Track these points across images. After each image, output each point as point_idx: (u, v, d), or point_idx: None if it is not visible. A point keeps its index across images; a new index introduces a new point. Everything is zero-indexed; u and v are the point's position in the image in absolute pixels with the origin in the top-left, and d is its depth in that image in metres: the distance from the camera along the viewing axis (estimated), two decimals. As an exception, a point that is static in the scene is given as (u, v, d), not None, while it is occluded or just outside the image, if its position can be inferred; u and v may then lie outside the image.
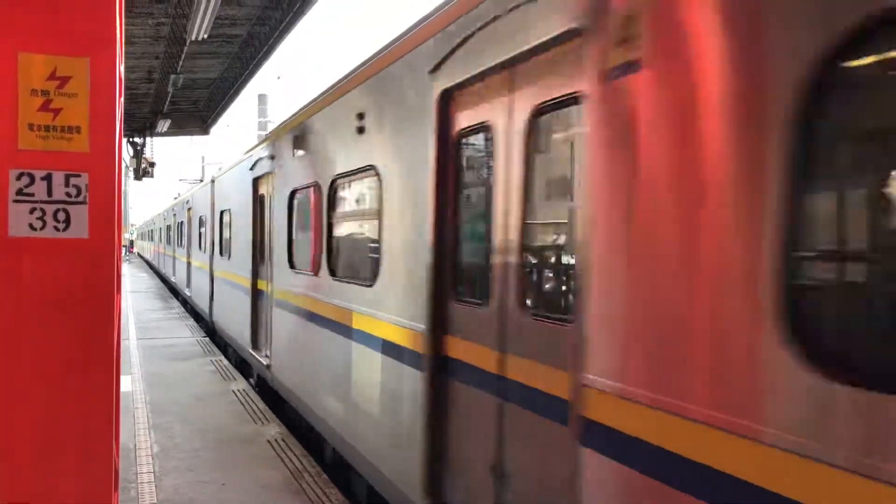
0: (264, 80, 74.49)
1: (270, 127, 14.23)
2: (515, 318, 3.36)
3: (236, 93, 19.42)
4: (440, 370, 4.05)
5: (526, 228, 3.30)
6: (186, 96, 20.19)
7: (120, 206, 3.02)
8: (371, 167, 5.08)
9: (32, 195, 2.63)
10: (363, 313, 5.18)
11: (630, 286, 2.49)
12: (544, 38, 3.03)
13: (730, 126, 2.11)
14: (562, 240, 3.20)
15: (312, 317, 6.52)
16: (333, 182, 5.98)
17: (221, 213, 12.57)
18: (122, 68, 3.33)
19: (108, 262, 2.77)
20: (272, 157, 8.30)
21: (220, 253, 12.52)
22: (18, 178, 2.61)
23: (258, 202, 9.27)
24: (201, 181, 21.83)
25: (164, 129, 22.98)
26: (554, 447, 2.99)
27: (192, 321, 16.38)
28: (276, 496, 5.43)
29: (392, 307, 4.63)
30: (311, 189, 6.59)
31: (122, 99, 3.55)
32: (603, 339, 2.62)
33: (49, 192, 2.65)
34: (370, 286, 5.02)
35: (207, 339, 13.60)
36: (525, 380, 3.29)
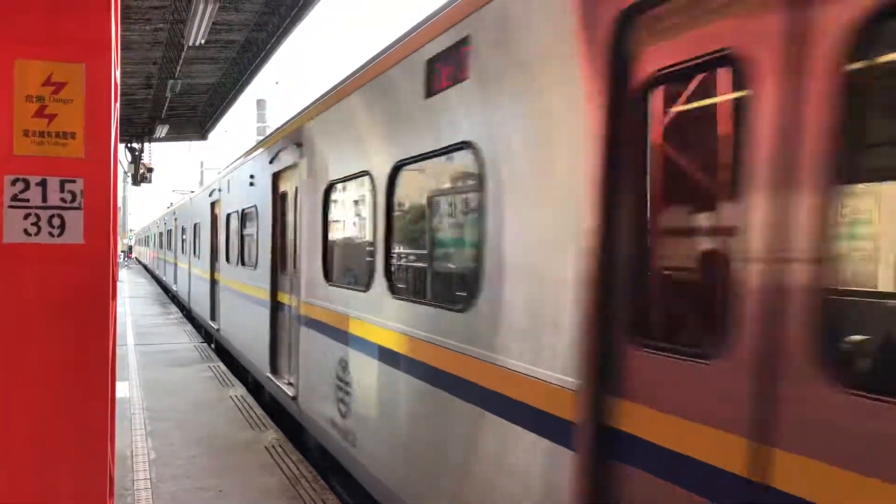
0: (263, 84, 74.50)
1: (268, 131, 16.54)
2: (293, 277, 7.28)
3: (234, 98, 19.43)
4: (276, 309, 8.22)
5: (296, 236, 7.10)
6: (184, 101, 20.21)
7: (115, 212, 3.01)
8: (254, 206, 9.28)
9: (27, 201, 2.62)
10: (251, 285, 9.44)
11: (306, 260, 6.59)
12: (291, 162, 7.35)
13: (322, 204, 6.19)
14: (302, 241, 6.89)
15: (234, 292, 11.00)
16: (243, 210, 10.24)
17: (195, 224, 16.90)
18: (118, 74, 3.32)
19: (103, 267, 2.77)
20: (220, 190, 12.60)
21: (194, 254, 16.87)
22: (13, 183, 2.60)
23: (214, 218, 13.58)
24: (192, 192, 22.92)
25: (163, 135, 23.00)
26: (299, 331, 6.88)
27: (189, 326, 16.36)
28: (274, 502, 5.41)
29: (260, 279, 8.76)
30: (235, 213, 10.92)
31: (119, 104, 3.55)
32: (304, 280, 6.67)
33: (44, 198, 2.64)
34: (255, 269, 9.21)
35: (205, 344, 13.58)
36: (293, 305, 7.24)
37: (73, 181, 2.67)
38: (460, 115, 3.71)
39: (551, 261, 2.91)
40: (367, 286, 4.98)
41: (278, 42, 14.01)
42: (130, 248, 68.21)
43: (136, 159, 25.47)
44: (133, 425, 7.47)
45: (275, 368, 8.26)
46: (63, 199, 2.66)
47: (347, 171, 5.55)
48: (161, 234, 31.30)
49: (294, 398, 7.02)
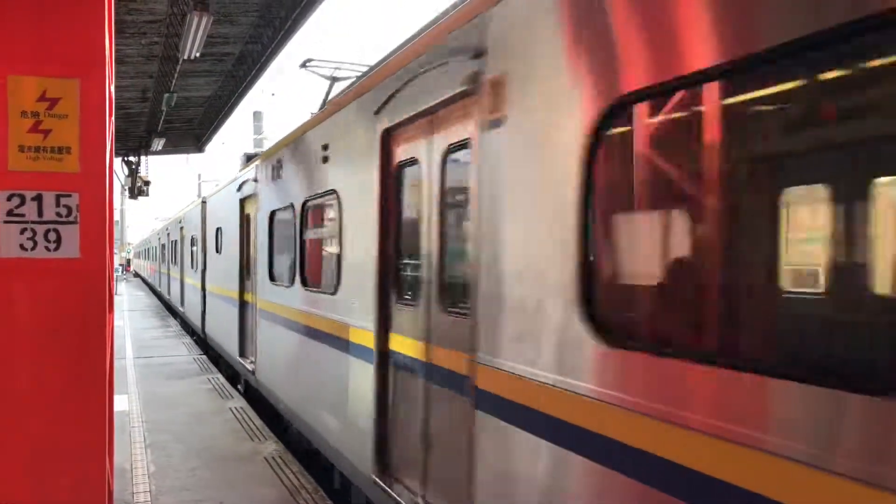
0: (259, 96, 74.29)
1: (266, 143, 17.89)
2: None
3: (230, 110, 19.46)
4: (243, 306, 9.69)
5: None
6: (180, 115, 20.24)
7: (111, 226, 3.03)
8: (218, 229, 11.10)
9: (23, 216, 2.64)
10: (222, 286, 11.45)
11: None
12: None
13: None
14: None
15: (213, 294, 12.89)
16: (217, 230, 12.02)
17: (186, 238, 18.99)
18: (113, 88, 3.35)
19: (99, 281, 2.78)
20: (205, 203, 14.16)
21: (191, 265, 18.01)
22: (9, 198, 2.62)
23: (203, 232, 14.70)
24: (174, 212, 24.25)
25: (159, 148, 23.01)
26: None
27: (188, 339, 16.35)
28: (274, 513, 5.40)
29: (230, 282, 10.34)
30: (216, 230, 12.46)
31: (114, 119, 3.57)
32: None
33: (40, 213, 2.66)
34: (221, 276, 11.09)
35: (204, 356, 13.56)
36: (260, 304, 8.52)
37: (69, 195, 2.69)
38: None
39: None
40: None
41: (273, 54, 14.05)
42: (129, 261, 68.15)
43: (132, 173, 25.48)
44: (132, 438, 7.46)
45: (242, 352, 9.44)
46: (59, 214, 2.68)
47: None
48: (148, 249, 30.95)
49: None
